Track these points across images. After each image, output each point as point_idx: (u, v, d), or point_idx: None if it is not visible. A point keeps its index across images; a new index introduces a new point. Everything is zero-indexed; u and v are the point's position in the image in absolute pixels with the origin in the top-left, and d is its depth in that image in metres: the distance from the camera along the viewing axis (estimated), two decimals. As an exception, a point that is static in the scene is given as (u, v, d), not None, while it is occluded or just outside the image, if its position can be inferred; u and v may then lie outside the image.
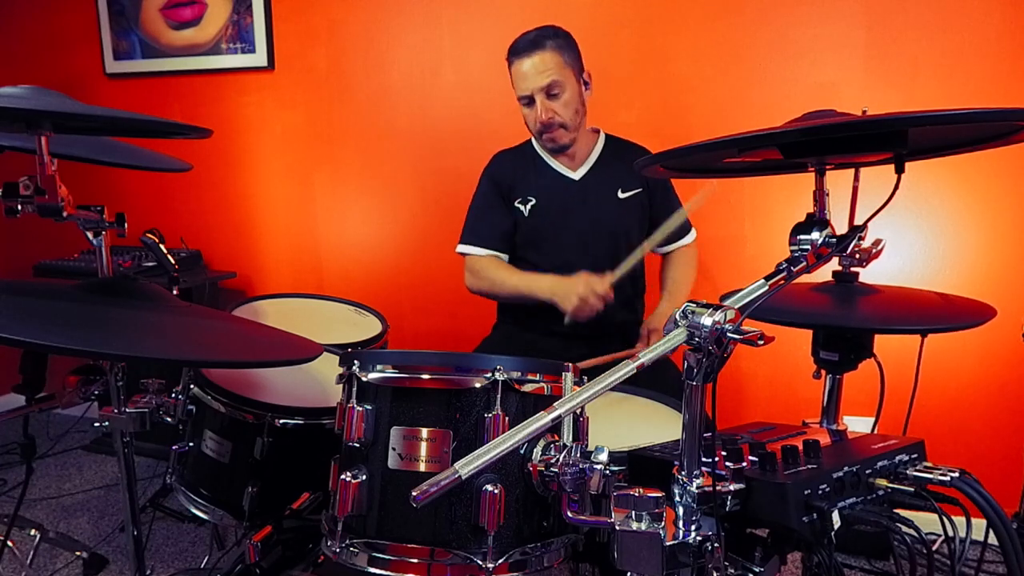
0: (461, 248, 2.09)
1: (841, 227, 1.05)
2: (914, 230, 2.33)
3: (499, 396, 1.05)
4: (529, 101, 1.94)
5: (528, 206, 2.04)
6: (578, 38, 2.00)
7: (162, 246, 1.53)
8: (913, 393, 1.33)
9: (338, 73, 2.91)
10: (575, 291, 1.78)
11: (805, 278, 1.06)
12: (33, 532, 2.07)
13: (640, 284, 2.19)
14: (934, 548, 1.00)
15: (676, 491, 0.92)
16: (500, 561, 1.03)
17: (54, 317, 0.97)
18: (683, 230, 2.20)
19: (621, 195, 2.07)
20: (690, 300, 0.89)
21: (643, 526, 0.84)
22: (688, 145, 0.99)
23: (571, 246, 2.04)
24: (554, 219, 2.04)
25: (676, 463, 0.94)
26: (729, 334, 0.84)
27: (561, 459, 0.94)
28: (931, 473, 1.04)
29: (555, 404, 0.84)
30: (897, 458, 1.07)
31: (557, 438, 1.02)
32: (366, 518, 1.07)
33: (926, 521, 0.95)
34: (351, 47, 2.87)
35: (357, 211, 3.01)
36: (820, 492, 0.95)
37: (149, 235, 1.51)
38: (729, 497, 0.94)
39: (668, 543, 0.85)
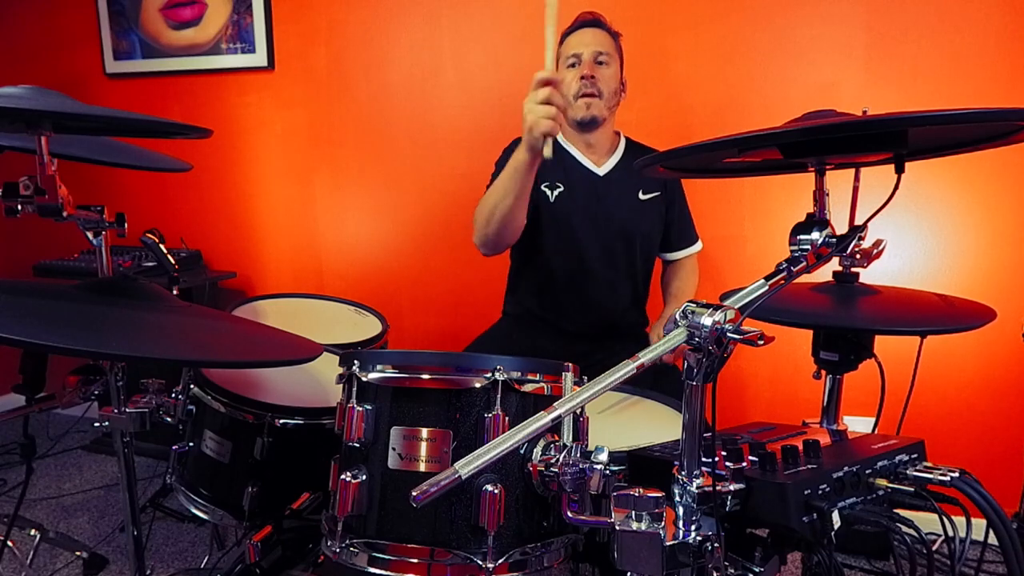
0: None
1: (841, 227, 1.05)
2: (914, 230, 2.33)
3: (499, 396, 1.05)
4: (577, 61, 1.96)
5: (555, 192, 2.03)
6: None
7: (162, 246, 1.53)
8: (909, 394, 1.33)
9: (338, 73, 2.91)
10: (530, 116, 1.60)
11: (805, 278, 1.06)
12: (33, 532, 2.07)
13: (645, 287, 2.19)
14: (934, 548, 1.00)
15: (676, 491, 0.92)
16: (500, 561, 1.03)
17: (54, 317, 0.97)
18: (691, 238, 2.23)
19: (642, 196, 2.08)
20: (690, 300, 0.89)
21: (643, 526, 0.84)
22: (688, 145, 0.99)
23: (590, 238, 2.03)
24: (578, 209, 2.03)
25: (676, 463, 0.94)
26: (729, 334, 0.84)
27: (561, 459, 0.94)
28: (931, 473, 1.04)
29: (555, 404, 0.84)
30: (897, 458, 1.07)
31: (557, 438, 1.02)
32: (366, 518, 1.07)
33: (926, 521, 0.95)
34: (351, 47, 2.87)
35: (357, 211, 3.01)
36: (820, 492, 0.95)
37: (149, 235, 1.51)
38: (729, 497, 0.94)
39: (668, 543, 0.85)
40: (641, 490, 0.86)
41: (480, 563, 1.02)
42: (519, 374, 1.08)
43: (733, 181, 2.45)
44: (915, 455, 1.10)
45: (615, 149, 2.10)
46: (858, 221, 1.07)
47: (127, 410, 1.29)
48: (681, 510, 0.91)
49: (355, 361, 1.12)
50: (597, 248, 2.04)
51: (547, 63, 1.64)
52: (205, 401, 1.50)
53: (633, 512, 0.85)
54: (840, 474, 0.98)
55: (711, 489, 0.91)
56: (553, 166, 2.05)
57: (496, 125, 2.70)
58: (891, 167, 1.03)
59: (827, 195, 1.09)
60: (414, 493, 0.76)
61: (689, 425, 0.91)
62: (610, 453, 0.90)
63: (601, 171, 2.07)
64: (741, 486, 0.95)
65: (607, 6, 2.49)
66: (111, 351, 0.95)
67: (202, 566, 2.14)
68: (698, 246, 2.25)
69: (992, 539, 0.96)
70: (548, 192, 2.03)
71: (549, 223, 2.03)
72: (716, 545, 0.88)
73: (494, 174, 2.07)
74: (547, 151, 1.66)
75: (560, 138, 2.10)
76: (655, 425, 1.53)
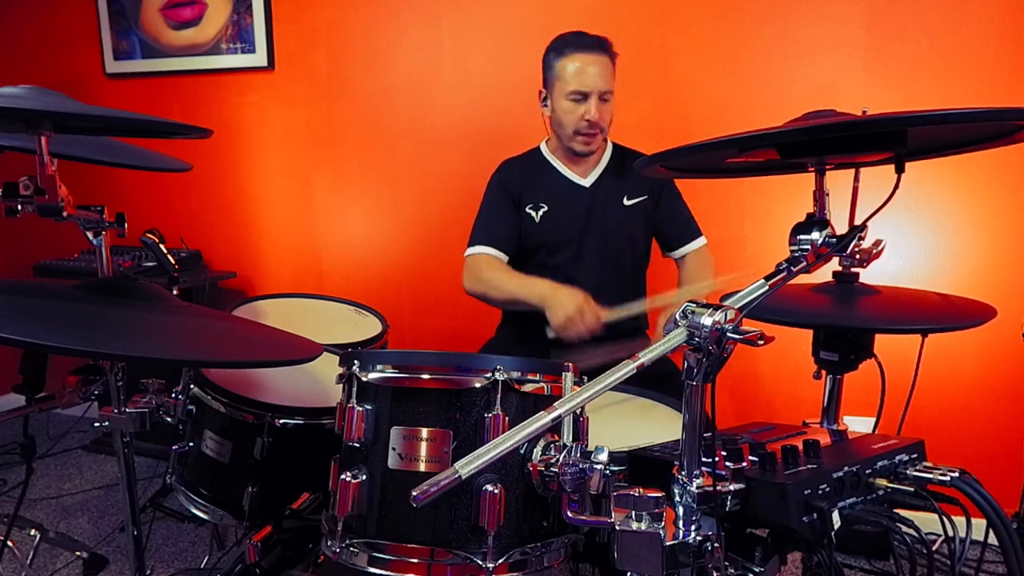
0: (467, 252, 2.06)
1: (842, 227, 1.05)
2: (914, 230, 2.33)
3: (499, 396, 1.05)
4: (581, 98, 1.92)
5: (540, 212, 2.04)
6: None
7: (162, 246, 1.52)
8: (910, 393, 1.33)
9: (338, 73, 2.91)
10: (566, 308, 1.73)
11: (806, 278, 1.06)
12: (33, 532, 2.07)
13: (641, 289, 2.19)
14: (934, 548, 1.00)
15: (676, 491, 0.92)
16: (500, 561, 1.03)
17: (54, 317, 0.97)
18: (692, 233, 2.16)
19: (626, 202, 2.08)
20: (690, 300, 0.89)
21: (643, 526, 0.84)
22: (688, 145, 0.99)
23: (581, 252, 2.05)
24: (566, 225, 2.04)
25: (676, 463, 0.94)
26: (729, 334, 0.84)
27: (561, 459, 0.94)
28: (931, 473, 1.04)
29: (555, 404, 0.83)
30: (897, 458, 1.07)
31: (557, 438, 1.02)
32: (366, 518, 1.07)
33: (926, 521, 0.95)
34: (351, 47, 2.87)
35: (357, 211, 3.01)
36: (820, 492, 0.95)
37: (149, 235, 1.51)
38: (729, 497, 0.94)
39: (668, 543, 0.85)
40: (641, 490, 0.86)
41: (480, 563, 1.02)
42: (519, 374, 1.08)
43: (733, 181, 2.45)
44: (915, 455, 1.10)
45: (601, 158, 2.10)
46: (858, 221, 1.07)
47: (127, 410, 1.29)
48: (681, 510, 0.91)
49: (355, 361, 1.12)
50: (588, 257, 2.05)
51: (610, 315, 1.77)
52: (205, 401, 1.50)
53: (633, 512, 0.85)
54: (840, 474, 0.98)
55: (711, 489, 0.91)
56: (537, 184, 2.07)
57: (496, 125, 2.71)
58: (891, 167, 1.03)
59: (827, 195, 1.09)
60: (414, 493, 0.76)
61: (689, 425, 0.91)
62: (610, 453, 0.90)
63: (587, 182, 2.07)
64: (741, 486, 0.95)
65: (608, 6, 2.49)
66: (111, 351, 0.95)
67: (202, 566, 2.14)
68: (702, 240, 2.18)
69: (992, 539, 0.96)
70: (533, 213, 2.04)
71: (538, 242, 2.05)
72: (716, 545, 0.88)
73: (482, 209, 2.09)
74: (550, 334, 1.79)
75: (546, 152, 2.11)
76: (655, 425, 1.53)
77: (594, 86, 1.90)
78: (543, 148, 2.13)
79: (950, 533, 0.97)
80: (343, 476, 1.07)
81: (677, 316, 0.88)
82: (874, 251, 1.13)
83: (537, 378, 1.11)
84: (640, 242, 2.13)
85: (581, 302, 1.73)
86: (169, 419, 1.37)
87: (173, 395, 1.39)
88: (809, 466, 0.99)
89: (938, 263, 2.33)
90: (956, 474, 1.00)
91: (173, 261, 1.56)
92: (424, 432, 1.06)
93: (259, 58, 2.97)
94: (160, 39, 3.10)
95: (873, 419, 1.38)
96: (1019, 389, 2.28)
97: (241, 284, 3.22)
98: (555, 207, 2.05)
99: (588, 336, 1.73)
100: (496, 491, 1.02)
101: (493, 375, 1.06)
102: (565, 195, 2.06)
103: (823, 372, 1.33)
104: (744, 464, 0.99)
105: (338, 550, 1.08)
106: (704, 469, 0.92)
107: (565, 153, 2.07)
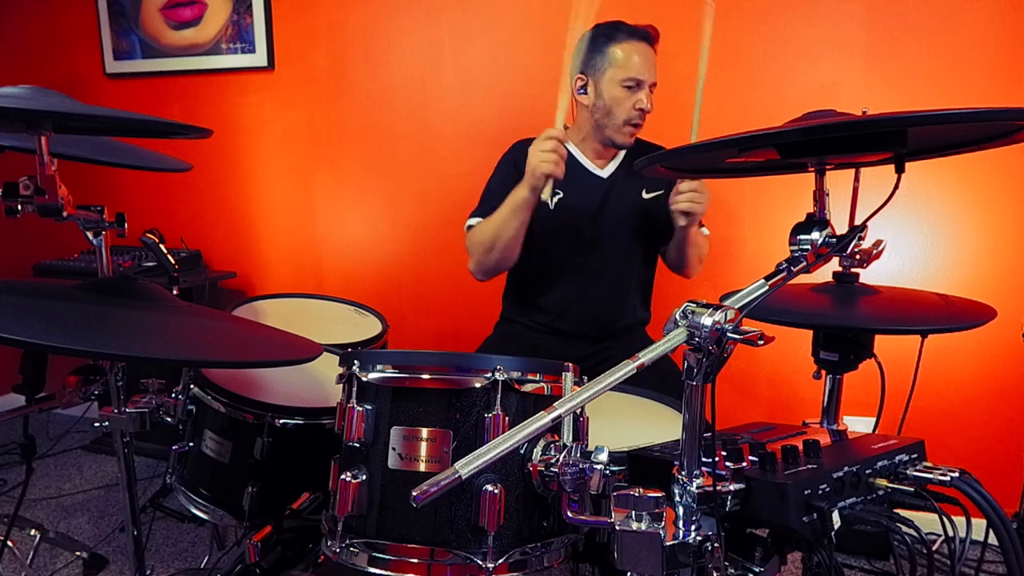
0: (467, 224, 2.01)
1: (842, 227, 1.05)
2: (914, 230, 2.33)
3: (499, 396, 1.05)
4: (636, 86, 1.91)
5: (555, 199, 1.99)
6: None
7: (162, 246, 1.53)
8: (910, 394, 1.33)
9: (338, 73, 2.91)
10: (538, 161, 1.73)
11: (806, 278, 1.06)
12: (33, 532, 2.07)
13: (648, 286, 2.18)
14: (934, 548, 1.00)
15: (676, 491, 0.92)
16: (500, 561, 1.03)
17: (54, 317, 0.97)
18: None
19: (646, 195, 2.05)
20: (690, 300, 0.89)
21: (643, 526, 0.84)
22: (688, 145, 0.99)
23: (592, 241, 2.01)
24: (581, 215, 2.01)
25: (676, 463, 0.94)
26: (729, 334, 0.84)
27: (561, 459, 0.94)
28: (931, 473, 1.04)
29: (555, 404, 0.84)
30: (897, 458, 1.07)
31: (557, 438, 1.02)
32: (366, 518, 1.07)
33: (926, 521, 0.95)
34: (351, 47, 2.87)
35: (357, 211, 3.01)
36: (820, 492, 0.95)
37: (149, 235, 1.51)
38: (729, 497, 0.94)
39: (668, 543, 0.85)
40: (641, 490, 0.86)
41: (480, 563, 1.02)
42: (519, 374, 1.08)
43: (733, 181, 2.45)
44: (915, 455, 1.10)
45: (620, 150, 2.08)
46: (858, 221, 1.07)
47: (127, 410, 1.29)
48: (681, 510, 0.91)
49: (355, 361, 1.12)
50: (599, 250, 2.02)
51: (557, 123, 1.76)
52: (205, 401, 1.50)
53: (633, 512, 0.85)
54: (840, 474, 0.98)
55: (711, 489, 0.91)
56: None
57: (496, 124, 2.71)
58: (891, 167, 1.03)
59: (827, 195, 1.09)
60: (414, 493, 0.76)
61: (689, 425, 0.92)
62: (610, 453, 0.90)
63: (604, 173, 2.05)
64: (741, 486, 0.95)
65: (608, 6, 2.49)
66: (111, 351, 0.95)
67: (202, 566, 2.14)
68: (704, 231, 2.15)
69: (992, 539, 0.96)
70: (547, 200, 2.01)
71: (550, 230, 2.01)
72: (716, 545, 0.88)
73: (489, 184, 2.06)
74: (546, 194, 1.77)
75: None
76: (655, 425, 1.53)
77: (649, 75, 1.91)
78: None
79: (950, 533, 0.97)
80: (343, 476, 1.07)
81: (677, 316, 0.88)
82: (874, 251, 1.14)
83: (537, 378, 1.11)
84: (655, 236, 2.10)
85: (535, 145, 1.74)
86: (169, 419, 1.37)
87: (173, 395, 1.39)
88: (809, 466, 0.99)
89: (938, 263, 2.33)
90: (956, 474, 1.00)
91: (173, 261, 1.56)
92: (424, 432, 1.06)
93: (259, 58, 2.96)
94: (160, 39, 3.10)
95: (873, 419, 1.38)
96: (1019, 389, 2.28)
97: (241, 284, 3.22)
98: (571, 196, 2.00)
99: (563, 150, 1.75)
100: (496, 491, 1.02)
101: (493, 375, 1.06)
102: (582, 185, 2.01)
103: (823, 372, 1.33)
104: (744, 464, 0.99)
105: (338, 550, 1.08)
106: (704, 469, 0.92)
107: (595, 144, 2.02)
